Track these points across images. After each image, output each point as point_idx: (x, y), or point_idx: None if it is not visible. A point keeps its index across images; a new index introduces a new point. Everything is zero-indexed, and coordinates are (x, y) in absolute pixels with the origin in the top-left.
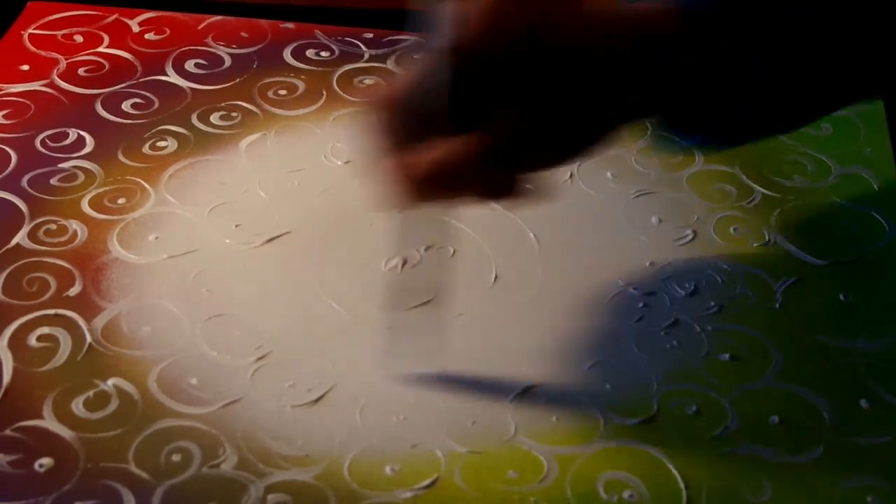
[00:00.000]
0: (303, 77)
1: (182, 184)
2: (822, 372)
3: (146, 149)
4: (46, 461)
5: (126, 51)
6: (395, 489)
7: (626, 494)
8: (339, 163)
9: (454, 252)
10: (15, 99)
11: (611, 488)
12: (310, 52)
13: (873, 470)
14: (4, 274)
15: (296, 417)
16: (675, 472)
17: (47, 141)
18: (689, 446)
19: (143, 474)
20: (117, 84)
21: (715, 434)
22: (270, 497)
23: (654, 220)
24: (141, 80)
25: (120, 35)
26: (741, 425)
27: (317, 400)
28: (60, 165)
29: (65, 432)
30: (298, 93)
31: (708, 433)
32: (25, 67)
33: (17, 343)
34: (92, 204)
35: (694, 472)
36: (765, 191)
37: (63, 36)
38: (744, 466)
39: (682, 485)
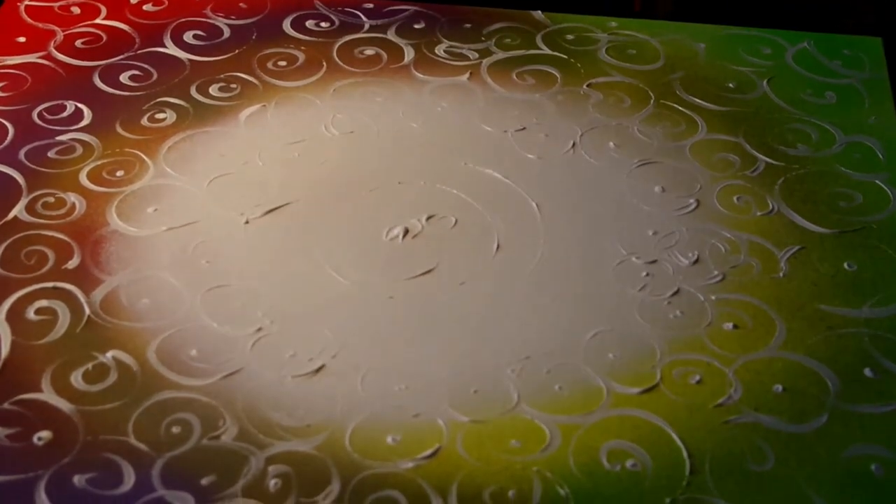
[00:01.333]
0: (303, 48)
1: (181, 156)
2: (825, 341)
3: (145, 121)
4: (45, 434)
5: (124, 22)
6: (396, 459)
7: (629, 464)
8: (340, 133)
9: (456, 222)
10: (12, 71)
11: (614, 457)
12: (309, 23)
13: (877, 439)
14: (2, 247)
15: (296, 388)
16: (678, 441)
17: (45, 113)
18: (692, 415)
19: (143, 446)
20: (115, 56)
21: (718, 403)
22: (271, 468)
23: (656, 189)
24: (139, 51)
25: (117, 6)
26: (744, 394)
27: (318, 370)
28: (58, 138)
29: (64, 405)
30: (298, 64)
31: (711, 402)
32: (22, 39)
33: (15, 316)
34: (90, 176)
35: (697, 441)
36: (768, 160)
37: (60, 7)
38: (747, 435)
39: (685, 454)
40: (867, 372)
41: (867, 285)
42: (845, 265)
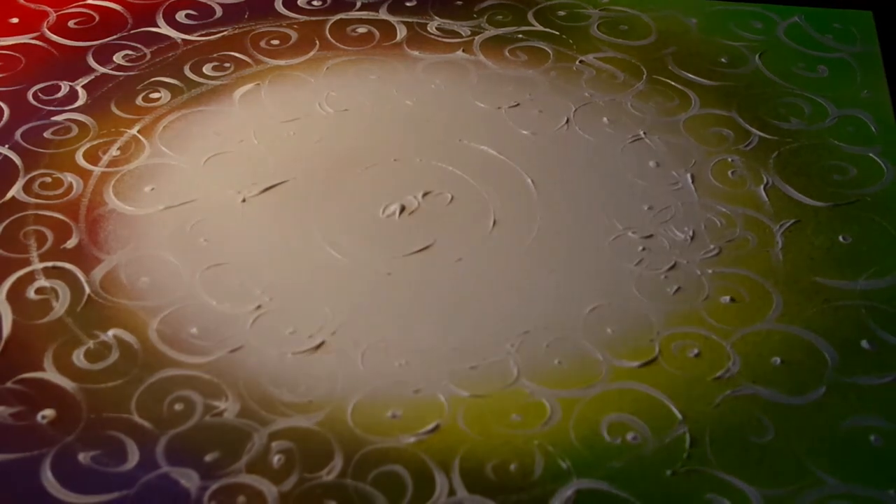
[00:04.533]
0: (295, 27)
1: (177, 135)
2: (822, 313)
3: (139, 101)
4: (49, 413)
5: (116, 2)
6: (398, 434)
7: (629, 436)
8: (334, 111)
9: (452, 198)
10: (5, 52)
11: (614, 430)
12: (301, 2)
13: (875, 410)
14: (1, 227)
15: (297, 364)
16: (677, 413)
17: (39, 94)
18: (691, 388)
19: (146, 424)
20: (108, 36)
21: (717, 376)
22: (274, 444)
23: (651, 164)
24: (132, 31)
25: None
26: (743, 367)
27: (318, 346)
28: (54, 118)
29: (66, 384)
30: (291, 42)
31: (710, 375)
32: (15, 20)
33: (15, 296)
34: (86, 156)
35: (696, 414)
36: (762, 134)
37: None
38: (746, 407)
39: (685, 426)
40: (864, 344)
41: (863, 257)
42: (840, 238)
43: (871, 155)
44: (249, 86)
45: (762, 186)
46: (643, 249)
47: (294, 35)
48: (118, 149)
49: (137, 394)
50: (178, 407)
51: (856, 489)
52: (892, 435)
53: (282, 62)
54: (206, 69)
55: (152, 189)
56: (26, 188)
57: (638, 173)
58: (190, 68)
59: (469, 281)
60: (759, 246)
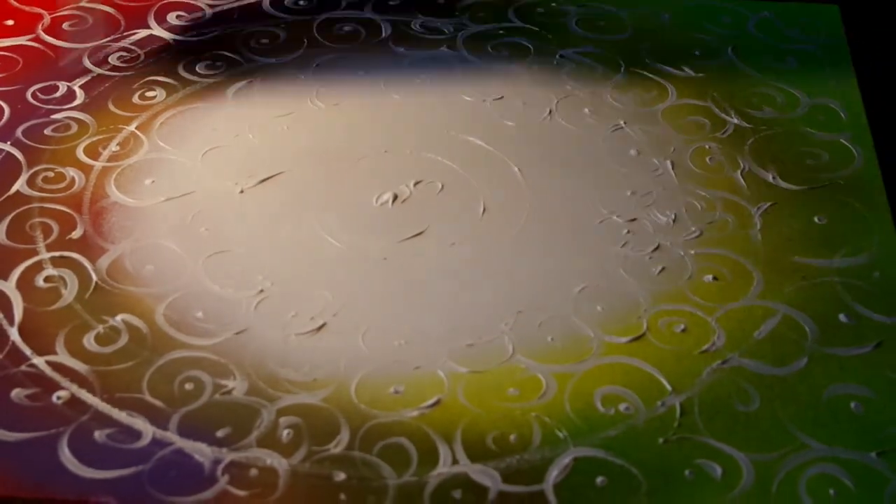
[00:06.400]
0: (283, 26)
1: (173, 131)
2: (801, 290)
3: (136, 99)
4: (63, 394)
5: (108, 5)
6: (401, 409)
7: (622, 407)
8: (325, 106)
9: (442, 187)
10: (2, 53)
11: (608, 402)
12: (288, 1)
13: (855, 379)
14: (7, 219)
15: (301, 345)
16: (667, 385)
17: (38, 94)
18: (679, 361)
19: (158, 403)
20: (102, 37)
21: (703, 349)
22: (282, 420)
23: (632, 152)
24: (125, 33)
25: None
26: (727, 341)
27: (319, 328)
28: (53, 116)
29: (79, 366)
30: (280, 41)
31: (696, 349)
32: (10, 22)
33: (25, 284)
34: (87, 152)
35: (685, 386)
36: (737, 122)
37: None
38: (732, 378)
39: (675, 397)
40: (842, 317)
41: (837, 237)
42: (815, 219)
43: (841, 140)
44: (242, 83)
45: (739, 171)
46: (628, 232)
47: (282, 34)
48: (117, 144)
49: (148, 374)
50: (188, 386)
51: (839, 452)
52: (871, 402)
53: (272, 60)
54: (199, 68)
55: (152, 182)
56: (30, 182)
57: (620, 161)
58: (183, 67)
59: (463, 264)
60: (738, 227)
